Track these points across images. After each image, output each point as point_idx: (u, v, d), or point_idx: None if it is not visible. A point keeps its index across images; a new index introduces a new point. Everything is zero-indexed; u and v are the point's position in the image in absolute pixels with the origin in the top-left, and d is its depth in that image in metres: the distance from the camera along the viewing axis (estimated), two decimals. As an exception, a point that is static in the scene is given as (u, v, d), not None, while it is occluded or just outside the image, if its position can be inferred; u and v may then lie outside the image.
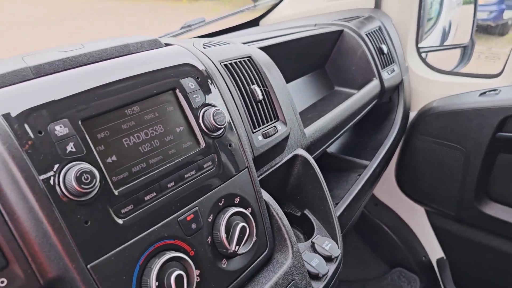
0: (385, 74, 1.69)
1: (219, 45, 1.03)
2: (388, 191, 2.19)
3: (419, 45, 2.03)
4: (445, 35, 2.65)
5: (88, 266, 0.62)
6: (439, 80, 1.94)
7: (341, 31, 1.67)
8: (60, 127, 0.63)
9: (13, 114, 0.61)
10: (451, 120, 1.78)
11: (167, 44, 0.90)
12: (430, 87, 1.95)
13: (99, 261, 0.63)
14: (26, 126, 0.61)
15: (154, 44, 0.88)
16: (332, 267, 0.99)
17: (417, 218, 2.16)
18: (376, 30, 1.74)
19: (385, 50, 1.71)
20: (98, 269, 0.63)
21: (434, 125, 1.84)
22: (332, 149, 1.79)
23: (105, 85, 0.70)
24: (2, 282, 0.57)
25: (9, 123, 0.60)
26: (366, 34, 1.67)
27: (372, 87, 1.63)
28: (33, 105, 0.62)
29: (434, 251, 2.16)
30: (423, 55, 2.07)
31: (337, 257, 1.02)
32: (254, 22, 2.17)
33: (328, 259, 1.00)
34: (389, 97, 1.87)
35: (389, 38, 1.81)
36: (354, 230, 2.28)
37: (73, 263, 0.61)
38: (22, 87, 0.65)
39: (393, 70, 1.75)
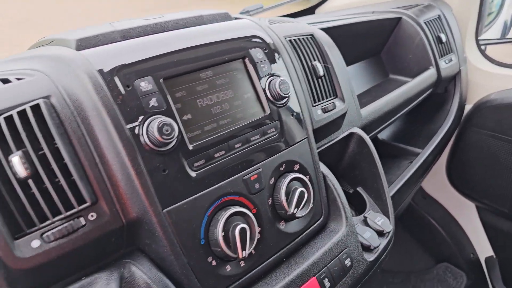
0: (442, 63, 1.67)
1: (284, 22, 1.07)
2: (438, 185, 2.16)
3: (479, 38, 1.98)
4: (506, 29, 2.57)
5: (164, 211, 0.68)
6: (499, 73, 1.89)
7: (399, 18, 1.66)
8: (145, 83, 0.70)
9: (106, 70, 0.68)
10: (510, 114, 1.73)
11: (236, 18, 0.95)
12: (489, 79, 1.90)
13: (173, 207, 0.70)
14: (117, 80, 0.67)
15: (225, 17, 0.93)
16: (383, 242, 1.01)
17: (466, 214, 2.12)
18: (435, 18, 1.72)
19: (444, 39, 1.69)
20: (172, 214, 0.69)
21: (491, 118, 1.80)
22: (383, 136, 1.79)
23: (183, 50, 0.77)
24: (92, 216, 0.64)
25: (103, 76, 0.67)
26: (425, 22, 1.66)
27: (428, 75, 1.62)
28: (122, 63, 0.69)
29: (483, 248, 2.11)
30: (482, 47, 2.02)
31: (389, 233, 1.04)
32: (310, 10, 2.20)
33: (380, 233, 1.03)
34: (444, 87, 1.85)
35: (449, 27, 1.78)
36: (400, 221, 2.26)
37: (152, 206, 0.67)
38: (112, 47, 0.72)
39: (451, 60, 1.73)
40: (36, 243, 0.60)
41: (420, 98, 1.62)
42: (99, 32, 0.75)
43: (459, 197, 2.08)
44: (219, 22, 0.90)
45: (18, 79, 0.66)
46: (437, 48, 1.67)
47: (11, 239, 0.58)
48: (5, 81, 0.66)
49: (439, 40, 1.68)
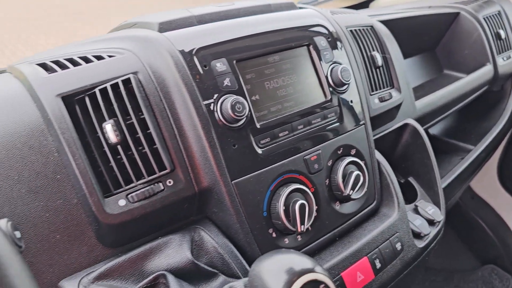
0: (500, 60, 1.65)
1: (345, 13, 1.11)
2: (487, 185, 2.12)
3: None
4: None
5: (233, 182, 0.74)
6: (559, 72, 1.83)
7: (457, 13, 1.65)
8: (220, 64, 0.76)
9: (186, 50, 0.74)
10: None
11: (300, 8, 1.00)
12: (548, 79, 1.85)
13: (241, 179, 0.75)
14: (196, 60, 0.74)
15: (291, 6, 0.98)
16: (434, 230, 1.03)
17: (517, 216, 2.07)
18: (495, 14, 1.69)
19: (503, 35, 1.66)
20: (240, 186, 0.75)
21: (549, 119, 1.75)
22: (434, 131, 1.78)
23: (254, 35, 0.82)
24: (170, 182, 0.71)
25: (184, 56, 0.73)
26: (484, 18, 1.64)
27: (485, 71, 1.60)
28: (200, 45, 0.75)
29: (533, 253, 2.06)
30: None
31: (439, 222, 1.06)
32: (364, 5, 2.20)
33: (430, 222, 1.05)
34: (501, 85, 1.81)
35: (509, 24, 1.74)
36: (446, 219, 2.24)
37: (222, 177, 0.73)
38: (191, 31, 0.79)
39: (509, 57, 1.70)
40: (122, 202, 0.67)
41: (475, 95, 1.60)
42: (178, 16, 0.81)
43: (510, 198, 2.03)
44: (285, 11, 0.95)
45: (110, 56, 0.74)
46: (495, 45, 1.64)
47: (102, 197, 0.66)
48: (99, 57, 0.74)
49: (498, 36, 1.65)
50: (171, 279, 0.65)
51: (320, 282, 0.45)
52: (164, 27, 0.79)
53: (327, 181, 0.87)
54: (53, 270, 0.65)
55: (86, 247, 0.67)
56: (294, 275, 0.44)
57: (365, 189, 0.92)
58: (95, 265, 0.68)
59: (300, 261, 0.47)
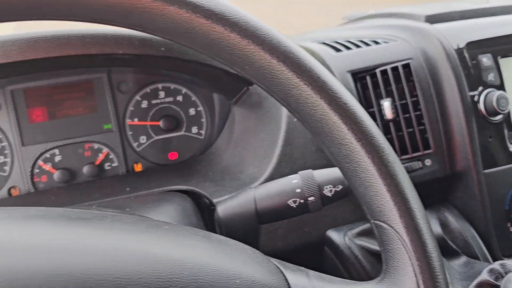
0: None
1: None
2: None
3: None
4: None
5: (485, 171, 0.78)
6: None
7: None
8: (486, 59, 0.79)
9: (457, 43, 0.79)
10: None
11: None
12: None
13: (491, 170, 0.79)
14: (465, 54, 0.79)
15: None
16: None
17: None
18: None
19: None
20: (489, 176, 0.79)
21: None
22: None
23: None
24: (427, 162, 0.78)
25: (455, 49, 0.79)
26: None
27: None
28: (470, 39, 0.80)
29: None
30: None
31: None
32: None
33: None
34: None
35: None
36: None
37: (475, 165, 0.78)
38: (457, 25, 0.84)
39: None
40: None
41: None
42: (443, 11, 0.87)
43: None
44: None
45: (385, 42, 0.82)
46: None
47: None
48: (375, 42, 0.82)
49: None
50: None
51: None
52: (430, 19, 0.85)
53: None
54: (326, 220, 0.76)
55: (351, 205, 0.77)
56: None
57: None
58: (355, 222, 0.78)
59: None
